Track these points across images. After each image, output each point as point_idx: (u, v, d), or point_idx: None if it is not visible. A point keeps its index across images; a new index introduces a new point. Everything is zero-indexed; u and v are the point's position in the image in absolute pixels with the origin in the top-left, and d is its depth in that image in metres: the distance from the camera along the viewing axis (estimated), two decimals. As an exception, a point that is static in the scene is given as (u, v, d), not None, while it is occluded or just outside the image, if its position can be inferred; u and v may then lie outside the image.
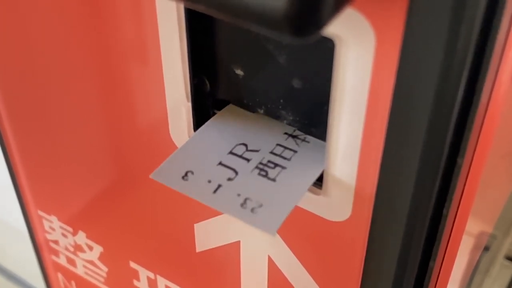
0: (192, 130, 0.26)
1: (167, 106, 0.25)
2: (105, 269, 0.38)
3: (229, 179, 0.23)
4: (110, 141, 0.30)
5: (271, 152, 0.24)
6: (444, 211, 0.22)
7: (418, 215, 0.22)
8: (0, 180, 0.44)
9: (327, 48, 0.20)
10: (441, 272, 0.24)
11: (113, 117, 0.28)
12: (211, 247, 0.30)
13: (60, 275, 0.42)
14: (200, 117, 0.26)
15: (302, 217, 0.25)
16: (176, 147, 0.27)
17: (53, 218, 0.38)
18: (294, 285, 0.28)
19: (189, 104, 0.25)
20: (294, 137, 0.25)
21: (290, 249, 0.27)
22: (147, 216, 0.32)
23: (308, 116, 0.24)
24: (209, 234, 0.29)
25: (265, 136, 0.25)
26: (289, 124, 0.25)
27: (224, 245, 0.29)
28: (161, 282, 0.34)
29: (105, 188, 0.32)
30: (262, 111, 0.25)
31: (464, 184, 0.21)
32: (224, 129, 0.25)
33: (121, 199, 0.32)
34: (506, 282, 0.55)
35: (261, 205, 0.22)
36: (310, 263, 0.27)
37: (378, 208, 0.22)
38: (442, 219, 0.22)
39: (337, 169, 0.22)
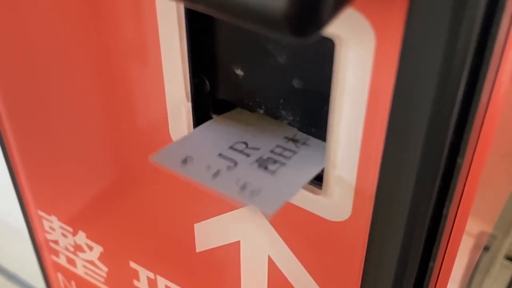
0: (192, 130, 0.26)
1: (167, 106, 0.25)
2: (105, 269, 0.38)
3: (229, 168, 0.23)
4: (110, 141, 0.30)
5: (271, 151, 0.24)
6: (444, 211, 0.22)
7: (418, 215, 0.22)
8: (0, 180, 0.44)
9: (327, 48, 0.20)
10: (441, 272, 0.24)
11: (113, 117, 0.28)
12: (211, 247, 0.30)
13: (60, 275, 0.42)
14: (200, 117, 0.26)
15: (302, 217, 0.25)
16: (176, 147, 0.27)
17: (53, 218, 0.38)
18: (294, 285, 0.28)
19: (189, 104, 0.25)
20: (294, 141, 0.25)
21: (290, 249, 0.27)
22: (147, 216, 0.32)
23: (308, 116, 0.24)
24: (209, 234, 0.29)
25: (266, 137, 0.25)
26: (289, 124, 0.25)
27: (224, 245, 0.29)
28: (161, 282, 0.34)
29: (105, 188, 0.32)
30: (262, 111, 0.25)
31: (464, 184, 0.21)
32: (226, 128, 0.25)
33: (121, 199, 0.32)
34: (506, 282, 0.55)
35: (261, 189, 0.22)
36: (310, 263, 0.27)
37: (378, 208, 0.22)
38: (442, 219, 0.22)
39: (337, 169, 0.22)
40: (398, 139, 0.20)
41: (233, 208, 0.27)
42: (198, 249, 0.31)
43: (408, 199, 0.21)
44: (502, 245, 0.54)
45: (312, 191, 0.24)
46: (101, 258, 0.37)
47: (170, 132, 0.26)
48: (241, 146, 0.24)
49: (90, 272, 0.39)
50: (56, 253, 0.40)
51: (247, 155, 0.24)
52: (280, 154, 0.24)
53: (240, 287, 0.31)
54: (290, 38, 0.14)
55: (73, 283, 0.42)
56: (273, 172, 0.23)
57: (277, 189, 0.22)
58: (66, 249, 0.39)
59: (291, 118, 0.25)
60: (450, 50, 0.17)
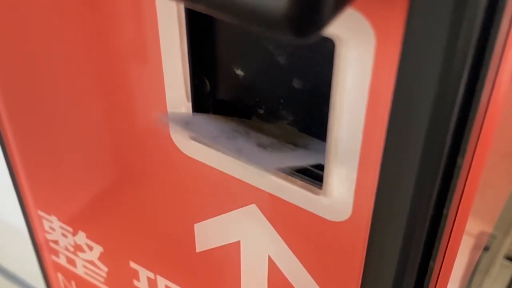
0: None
1: (167, 106, 0.25)
2: (105, 269, 0.38)
3: (228, 138, 0.23)
4: (110, 141, 0.30)
5: (272, 143, 0.24)
6: (444, 211, 0.22)
7: (418, 215, 0.22)
8: (0, 180, 0.44)
9: (327, 48, 0.20)
10: (441, 272, 0.24)
11: (113, 117, 0.28)
12: (211, 247, 0.30)
13: (60, 275, 0.42)
14: (200, 117, 0.26)
15: (303, 217, 0.25)
16: (176, 147, 0.27)
17: (53, 218, 0.38)
18: (294, 285, 0.28)
19: (189, 104, 0.25)
20: (295, 144, 0.25)
21: (290, 249, 0.27)
22: (147, 216, 0.32)
23: (308, 116, 0.24)
24: (209, 234, 0.29)
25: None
26: (289, 124, 0.25)
27: (224, 245, 0.29)
28: (161, 282, 0.34)
29: (105, 188, 0.32)
30: (262, 111, 0.25)
31: (464, 184, 0.21)
32: (226, 122, 0.25)
33: (121, 199, 0.32)
34: (506, 282, 0.55)
35: (255, 154, 0.22)
36: (310, 263, 0.27)
37: (378, 208, 0.22)
38: (442, 219, 0.22)
39: (337, 169, 0.22)
40: (398, 139, 0.20)
41: (233, 208, 0.27)
42: (198, 249, 0.31)
43: (408, 199, 0.21)
44: (502, 245, 0.54)
45: (312, 191, 0.24)
46: (101, 258, 0.37)
47: (170, 132, 0.26)
48: (244, 131, 0.24)
49: (90, 272, 0.39)
50: (56, 253, 0.40)
51: (248, 137, 0.24)
52: (279, 147, 0.24)
53: (240, 287, 0.31)
54: (290, 38, 0.14)
55: (73, 283, 0.42)
56: (271, 152, 0.23)
57: (271, 160, 0.22)
58: (66, 249, 0.39)
59: (291, 118, 0.25)
60: (450, 50, 0.17)
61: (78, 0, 0.25)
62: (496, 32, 0.17)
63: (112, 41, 0.25)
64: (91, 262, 0.38)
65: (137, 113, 0.27)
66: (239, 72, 0.24)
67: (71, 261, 0.40)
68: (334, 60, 0.20)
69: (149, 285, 0.35)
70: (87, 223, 0.36)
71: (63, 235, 0.38)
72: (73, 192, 0.35)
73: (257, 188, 0.25)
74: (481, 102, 0.19)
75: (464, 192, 0.22)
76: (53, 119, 0.31)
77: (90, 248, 0.37)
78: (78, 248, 0.38)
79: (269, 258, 0.28)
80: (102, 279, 0.39)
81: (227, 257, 0.30)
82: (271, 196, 0.25)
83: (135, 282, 0.36)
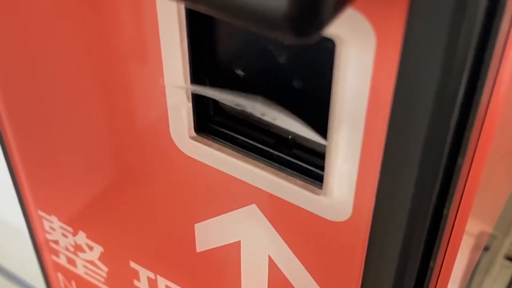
0: (193, 130, 0.26)
1: (168, 106, 0.25)
2: (105, 269, 0.38)
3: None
4: (110, 141, 0.30)
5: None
6: (445, 211, 0.22)
7: (419, 215, 0.22)
8: (0, 180, 0.44)
9: (328, 48, 0.20)
10: (441, 272, 0.24)
11: (114, 117, 0.28)
12: (211, 247, 0.30)
13: (60, 275, 0.42)
14: (200, 118, 0.26)
15: (303, 217, 0.25)
16: (176, 147, 0.27)
17: (53, 218, 0.38)
18: (294, 285, 0.28)
19: (190, 105, 0.25)
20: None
21: (291, 249, 0.27)
22: (148, 216, 0.32)
23: (309, 116, 0.24)
24: (209, 234, 0.29)
25: None
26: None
27: (225, 245, 0.29)
28: (162, 282, 0.34)
29: (106, 188, 0.32)
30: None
31: (465, 184, 0.21)
32: None
33: (121, 199, 0.32)
34: (506, 282, 0.55)
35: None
36: (310, 263, 0.27)
37: (379, 208, 0.22)
38: (442, 219, 0.22)
39: (337, 169, 0.22)
40: (399, 139, 0.20)
41: (233, 208, 0.27)
42: (198, 249, 0.31)
43: (409, 199, 0.21)
44: (502, 245, 0.54)
45: (312, 191, 0.24)
46: (101, 258, 0.37)
47: (170, 132, 0.26)
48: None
49: (90, 272, 0.39)
50: (56, 253, 0.40)
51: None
52: None
53: (240, 287, 0.31)
54: (290, 39, 0.14)
55: (73, 283, 0.42)
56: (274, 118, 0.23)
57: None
58: (66, 249, 0.39)
59: (291, 118, 0.25)
60: (451, 50, 0.17)
61: (78, 0, 0.25)
62: (496, 32, 0.17)
63: (112, 41, 0.25)
64: (92, 262, 0.38)
65: (137, 113, 0.27)
66: (239, 72, 0.24)
67: (71, 261, 0.40)
68: (334, 60, 0.20)
69: (150, 285, 0.35)
70: (88, 223, 0.36)
71: (63, 235, 0.38)
72: (73, 192, 0.35)
73: (257, 188, 0.25)
74: (481, 102, 0.19)
75: (464, 192, 0.22)
76: (53, 119, 0.31)
77: (91, 248, 0.37)
78: (78, 248, 0.38)
79: (270, 258, 0.28)
80: (102, 279, 0.39)
81: (228, 257, 0.30)
82: (271, 196, 0.25)
83: (136, 282, 0.36)
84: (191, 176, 0.27)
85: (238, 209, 0.27)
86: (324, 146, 0.23)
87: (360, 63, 0.19)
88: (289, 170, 0.25)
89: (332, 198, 0.23)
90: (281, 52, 0.23)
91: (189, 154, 0.27)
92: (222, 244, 0.29)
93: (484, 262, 0.46)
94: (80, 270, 0.40)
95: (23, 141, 0.34)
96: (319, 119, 0.24)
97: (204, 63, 0.25)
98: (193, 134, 0.26)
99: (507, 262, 0.56)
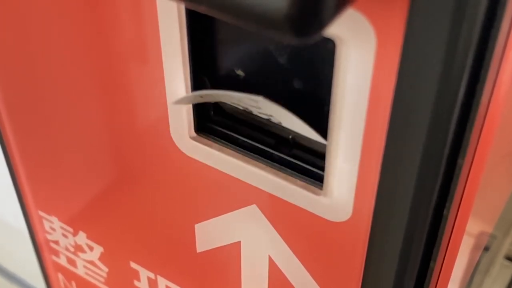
0: (193, 130, 0.26)
1: (168, 106, 0.25)
2: (106, 269, 0.38)
3: None
4: (110, 141, 0.30)
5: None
6: (445, 211, 0.22)
7: (419, 216, 0.22)
8: (0, 180, 0.44)
9: (328, 48, 0.20)
10: (441, 272, 0.24)
11: (114, 117, 0.28)
12: (211, 248, 0.30)
13: (60, 276, 0.42)
14: (200, 118, 0.26)
15: (303, 217, 0.25)
16: (176, 147, 0.27)
17: (54, 218, 0.38)
18: (294, 286, 0.28)
19: (190, 105, 0.25)
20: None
21: (291, 249, 0.27)
22: (148, 216, 0.32)
23: (309, 116, 0.24)
24: (209, 235, 0.29)
25: None
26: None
27: (225, 245, 0.29)
28: (162, 282, 0.34)
29: (106, 189, 0.32)
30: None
31: (465, 185, 0.21)
32: None
33: (121, 200, 0.32)
34: (506, 282, 0.55)
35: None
36: (310, 263, 0.27)
37: (379, 209, 0.22)
38: (442, 220, 0.22)
39: (338, 169, 0.22)
40: (399, 139, 0.20)
41: (233, 208, 0.27)
42: (198, 250, 0.31)
43: (409, 199, 0.21)
44: (502, 245, 0.54)
45: (312, 192, 0.24)
46: (101, 258, 0.37)
47: (170, 132, 0.26)
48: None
49: (90, 273, 0.39)
50: (56, 253, 0.40)
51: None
52: None
53: (240, 287, 0.31)
54: (291, 39, 0.14)
55: (73, 283, 0.42)
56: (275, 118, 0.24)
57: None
58: (67, 249, 0.39)
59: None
60: (451, 50, 0.17)
61: (78, 0, 0.25)
62: (496, 32, 0.17)
63: (112, 41, 0.25)
64: (92, 263, 0.38)
65: (138, 113, 0.27)
66: (240, 72, 0.24)
67: (71, 262, 0.40)
68: (334, 61, 0.20)
69: (150, 285, 0.35)
70: (88, 223, 0.36)
71: (64, 235, 0.38)
72: (73, 192, 0.35)
73: (258, 189, 0.25)
74: (481, 102, 0.19)
75: (465, 192, 0.22)
76: (53, 119, 0.31)
77: (91, 249, 0.37)
78: (78, 248, 0.38)
79: (270, 259, 0.28)
80: (102, 279, 0.39)
81: (228, 258, 0.30)
82: (272, 196, 0.25)
83: (136, 283, 0.36)
84: (191, 176, 0.27)
85: (238, 209, 0.27)
86: (324, 146, 0.23)
87: (360, 63, 0.19)
88: (289, 170, 0.25)
89: (332, 198, 0.23)
90: (281, 53, 0.23)
91: (189, 154, 0.27)
92: (223, 244, 0.29)
93: (484, 262, 0.46)
94: (80, 270, 0.40)
95: (23, 141, 0.34)
96: (319, 119, 0.24)
97: (204, 63, 0.25)
98: (193, 134, 0.26)
99: (507, 262, 0.56)
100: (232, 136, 0.26)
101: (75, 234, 0.37)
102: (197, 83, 0.25)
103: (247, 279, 0.30)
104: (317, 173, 0.24)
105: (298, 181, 0.24)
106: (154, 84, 0.25)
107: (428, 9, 0.17)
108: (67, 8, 0.26)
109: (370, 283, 0.25)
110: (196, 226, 0.29)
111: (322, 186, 0.24)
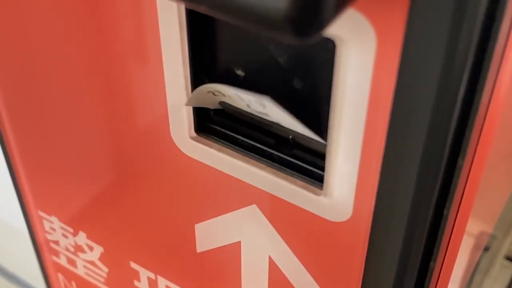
0: (193, 130, 0.26)
1: (168, 106, 0.25)
2: (106, 269, 0.38)
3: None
4: (110, 141, 0.30)
5: None
6: (445, 211, 0.22)
7: (419, 216, 0.22)
8: (0, 180, 0.44)
9: (328, 48, 0.20)
10: (441, 272, 0.24)
11: (114, 118, 0.28)
12: (212, 248, 0.30)
13: (60, 276, 0.42)
14: (201, 118, 0.26)
15: (303, 217, 0.25)
16: (176, 147, 0.27)
17: (54, 218, 0.38)
18: (294, 286, 0.28)
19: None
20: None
21: (291, 249, 0.27)
22: (148, 216, 0.32)
23: (309, 116, 0.24)
24: (209, 235, 0.29)
25: None
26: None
27: (225, 245, 0.29)
28: (162, 282, 0.34)
29: (106, 189, 0.32)
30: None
31: (465, 185, 0.21)
32: None
33: (121, 200, 0.32)
34: (506, 282, 0.55)
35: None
36: (311, 263, 0.27)
37: (379, 209, 0.22)
38: (442, 220, 0.22)
39: (338, 169, 0.22)
40: (399, 139, 0.20)
41: (233, 208, 0.27)
42: (198, 250, 0.31)
43: (409, 199, 0.21)
44: (502, 245, 0.54)
45: (312, 192, 0.24)
46: (101, 258, 0.37)
47: (170, 132, 0.26)
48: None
49: (90, 273, 0.39)
50: (56, 253, 0.40)
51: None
52: None
53: (240, 287, 0.31)
54: (291, 39, 0.14)
55: (73, 283, 0.42)
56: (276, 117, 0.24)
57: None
58: (67, 249, 0.39)
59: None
60: (451, 50, 0.17)
61: (78, 0, 0.25)
62: (497, 32, 0.17)
63: (112, 41, 0.25)
64: (92, 263, 0.38)
65: (138, 113, 0.27)
66: (240, 72, 0.24)
67: (71, 262, 0.40)
68: (334, 61, 0.20)
69: (150, 285, 0.35)
70: (88, 223, 0.36)
71: (64, 235, 0.38)
72: (73, 192, 0.35)
73: (258, 189, 0.25)
74: (481, 103, 0.19)
75: (465, 192, 0.22)
76: (53, 119, 0.31)
77: (91, 249, 0.37)
78: (78, 248, 0.38)
79: (270, 259, 0.28)
80: (102, 280, 0.39)
81: (228, 258, 0.30)
82: (272, 196, 0.25)
83: (136, 283, 0.36)
84: (191, 177, 0.27)
85: (238, 209, 0.27)
86: (324, 146, 0.23)
87: (361, 63, 0.19)
88: (290, 170, 0.25)
89: (333, 199, 0.23)
90: (281, 53, 0.23)
91: (189, 155, 0.27)
92: (223, 244, 0.29)
93: (484, 262, 0.46)
94: (80, 271, 0.40)
95: (23, 141, 0.34)
96: (319, 119, 0.24)
97: (204, 63, 0.25)
98: (193, 134, 0.26)
99: (507, 262, 0.55)
100: (232, 136, 0.26)
101: (75, 234, 0.37)
102: (197, 83, 0.25)
103: (247, 279, 0.30)
104: (317, 173, 0.24)
105: (298, 181, 0.24)
106: (154, 84, 0.25)
107: (428, 9, 0.17)
108: (67, 8, 0.26)
109: (370, 283, 0.25)
110: (196, 226, 0.29)
111: (322, 186, 0.24)
